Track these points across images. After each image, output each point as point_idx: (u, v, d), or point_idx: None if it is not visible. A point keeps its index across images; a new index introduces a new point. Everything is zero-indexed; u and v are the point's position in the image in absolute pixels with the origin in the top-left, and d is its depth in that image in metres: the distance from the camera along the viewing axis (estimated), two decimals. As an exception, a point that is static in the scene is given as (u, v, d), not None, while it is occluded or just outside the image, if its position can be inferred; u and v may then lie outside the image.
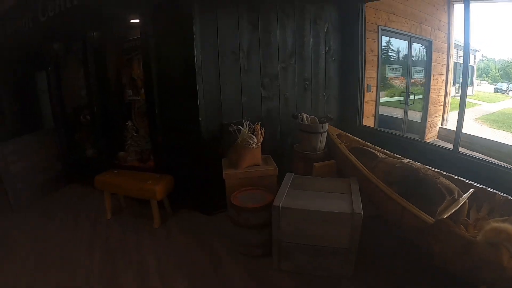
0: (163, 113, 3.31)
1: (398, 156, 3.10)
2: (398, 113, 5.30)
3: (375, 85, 4.30)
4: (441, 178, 2.64)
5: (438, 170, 2.72)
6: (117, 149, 3.94)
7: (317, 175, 3.16)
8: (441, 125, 5.81)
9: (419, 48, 5.52)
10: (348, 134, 3.44)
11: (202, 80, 3.02)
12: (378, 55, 4.29)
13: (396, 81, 5.48)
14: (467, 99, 6.54)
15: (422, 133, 5.41)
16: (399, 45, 5.35)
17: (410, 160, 2.86)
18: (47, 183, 4.39)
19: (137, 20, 3.53)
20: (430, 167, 2.72)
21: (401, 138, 4.09)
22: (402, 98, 5.12)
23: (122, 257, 2.92)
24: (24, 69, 4.96)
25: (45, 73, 4.34)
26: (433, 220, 2.22)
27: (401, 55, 5.43)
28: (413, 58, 5.27)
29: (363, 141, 3.39)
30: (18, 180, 4.02)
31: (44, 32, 4.20)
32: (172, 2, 3.02)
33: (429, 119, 5.42)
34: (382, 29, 4.36)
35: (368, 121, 4.17)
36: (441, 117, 5.74)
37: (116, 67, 3.96)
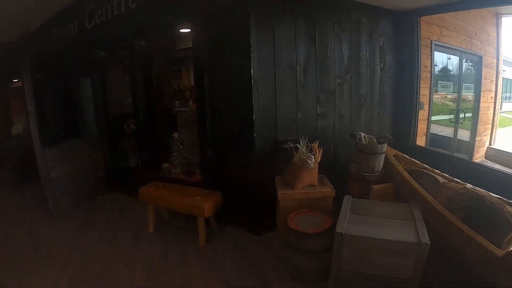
0: (215, 126, 3.22)
1: (457, 180, 2.94)
2: (445, 131, 5.10)
3: (428, 103, 4.13)
4: (507, 206, 2.48)
5: (501, 197, 2.56)
6: (161, 160, 3.88)
7: (375, 198, 3.03)
8: (489, 145, 5.58)
9: (462, 62, 5.32)
10: (406, 156, 3.30)
11: (257, 94, 2.94)
12: (431, 72, 4.13)
13: (435, 97, 5.27)
14: (509, 116, 6.25)
15: (471, 152, 5.19)
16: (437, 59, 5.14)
17: (473, 186, 2.70)
18: (87, 190, 4.41)
19: (187, 30, 3.47)
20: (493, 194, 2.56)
21: (454, 159, 3.92)
22: (452, 116, 4.93)
23: (165, 274, 2.85)
24: (69, 75, 4.98)
25: (90, 80, 4.32)
26: (502, 252, 2.06)
27: (437, 69, 5.22)
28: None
29: (420, 163, 3.24)
30: (58, 186, 4.04)
31: (90, 39, 4.19)
32: (227, 11, 2.94)
33: (477, 138, 5.20)
34: (435, 44, 4.20)
35: (419, 140, 4.01)
36: (489, 135, 5.51)
37: (163, 77, 3.91)
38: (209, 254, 3.10)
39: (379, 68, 3.61)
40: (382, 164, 3.18)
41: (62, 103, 5.19)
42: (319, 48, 3.20)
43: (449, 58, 5.18)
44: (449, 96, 5.17)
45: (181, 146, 3.74)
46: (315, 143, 2.96)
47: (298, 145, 2.92)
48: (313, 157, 2.90)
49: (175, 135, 3.74)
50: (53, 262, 3.07)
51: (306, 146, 2.97)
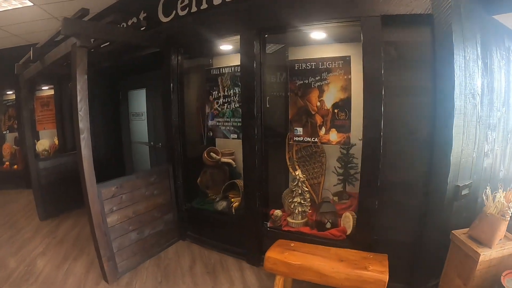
0: (384, 168, 2.55)
1: None
2: None
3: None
4: None
5: None
6: (267, 205, 3.07)
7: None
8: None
9: None
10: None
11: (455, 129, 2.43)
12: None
13: None
14: None
15: None
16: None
17: None
18: (153, 241, 3.39)
19: (322, 34, 2.77)
20: None
21: None
22: None
23: None
24: (116, 87, 3.83)
25: (151, 91, 3.33)
26: None
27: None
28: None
29: None
30: (117, 238, 2.97)
31: (166, 37, 3.20)
32: (413, 17, 2.39)
33: None
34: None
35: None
36: None
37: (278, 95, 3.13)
38: None
39: (512, 101, 3.33)
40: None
41: (110, 118, 4.01)
42: (490, 75, 2.81)
43: None
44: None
45: (306, 189, 2.94)
46: (509, 190, 2.47)
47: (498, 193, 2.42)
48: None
49: (298, 173, 2.94)
50: None
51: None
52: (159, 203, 3.43)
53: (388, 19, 2.42)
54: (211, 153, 3.54)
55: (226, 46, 3.40)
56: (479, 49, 2.64)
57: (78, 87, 2.75)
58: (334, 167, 3.21)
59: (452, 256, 2.66)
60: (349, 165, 3.08)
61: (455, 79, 2.35)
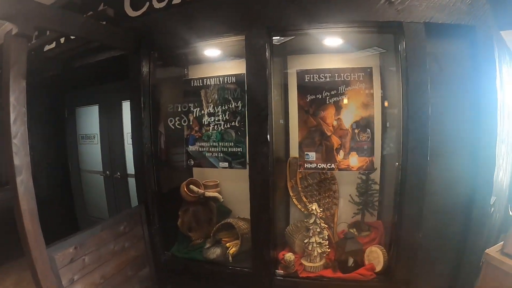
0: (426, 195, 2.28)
1: None
2: None
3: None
4: None
5: None
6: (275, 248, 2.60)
7: None
8: None
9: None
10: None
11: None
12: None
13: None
14: None
15: None
16: None
17: None
18: None
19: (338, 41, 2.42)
20: None
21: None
22: None
23: None
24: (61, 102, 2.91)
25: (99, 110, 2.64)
26: None
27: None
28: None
29: None
30: None
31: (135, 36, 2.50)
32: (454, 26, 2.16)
33: None
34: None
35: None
36: None
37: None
38: None
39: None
40: None
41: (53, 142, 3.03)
42: (503, 88, 2.71)
43: None
44: None
45: (324, 226, 2.50)
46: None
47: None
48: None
49: (315, 207, 2.49)
50: None
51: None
52: (132, 256, 2.67)
53: (430, 27, 2.15)
54: (191, 186, 2.88)
55: (212, 50, 2.79)
56: (497, 62, 2.54)
57: (12, 99, 1.89)
58: (350, 195, 2.85)
59: (487, 276, 2.48)
60: (369, 192, 2.75)
61: (497, 95, 2.21)
